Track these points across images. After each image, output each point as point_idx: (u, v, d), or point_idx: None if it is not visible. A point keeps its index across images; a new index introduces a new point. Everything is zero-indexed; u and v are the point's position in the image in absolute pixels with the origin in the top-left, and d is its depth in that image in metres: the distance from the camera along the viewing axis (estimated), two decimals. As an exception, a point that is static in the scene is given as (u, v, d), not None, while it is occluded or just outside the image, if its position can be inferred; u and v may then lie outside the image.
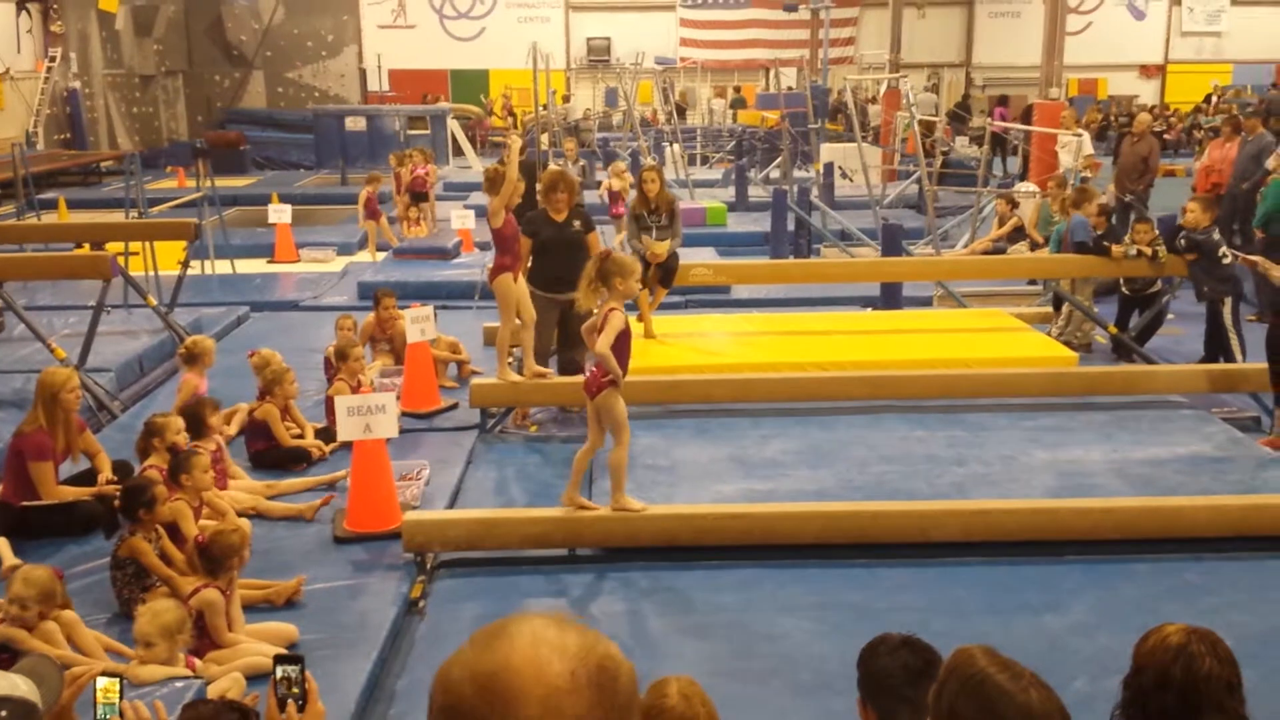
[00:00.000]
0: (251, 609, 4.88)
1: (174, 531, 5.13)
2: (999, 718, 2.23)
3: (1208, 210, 8.65)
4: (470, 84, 30.45)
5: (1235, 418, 7.73)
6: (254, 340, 8.97)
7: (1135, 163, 13.42)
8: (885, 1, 25.94)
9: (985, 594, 5.22)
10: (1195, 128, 26.10)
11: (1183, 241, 8.45)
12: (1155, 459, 6.66)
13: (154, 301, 9.26)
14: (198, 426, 6.00)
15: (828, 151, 19.05)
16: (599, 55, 31.35)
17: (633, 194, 9.90)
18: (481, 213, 8.63)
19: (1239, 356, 8.26)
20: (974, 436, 7.06)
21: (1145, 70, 33.10)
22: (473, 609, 5.09)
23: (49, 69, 24.07)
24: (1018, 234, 12.52)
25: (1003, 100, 25.77)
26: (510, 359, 7.66)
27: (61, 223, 14.96)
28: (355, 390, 6.90)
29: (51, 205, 16.85)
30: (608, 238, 11.90)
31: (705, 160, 23.97)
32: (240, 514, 5.84)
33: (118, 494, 5.30)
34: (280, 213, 14.07)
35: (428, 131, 23.75)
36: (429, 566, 5.55)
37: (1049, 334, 9.18)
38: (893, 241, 10.58)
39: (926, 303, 10.71)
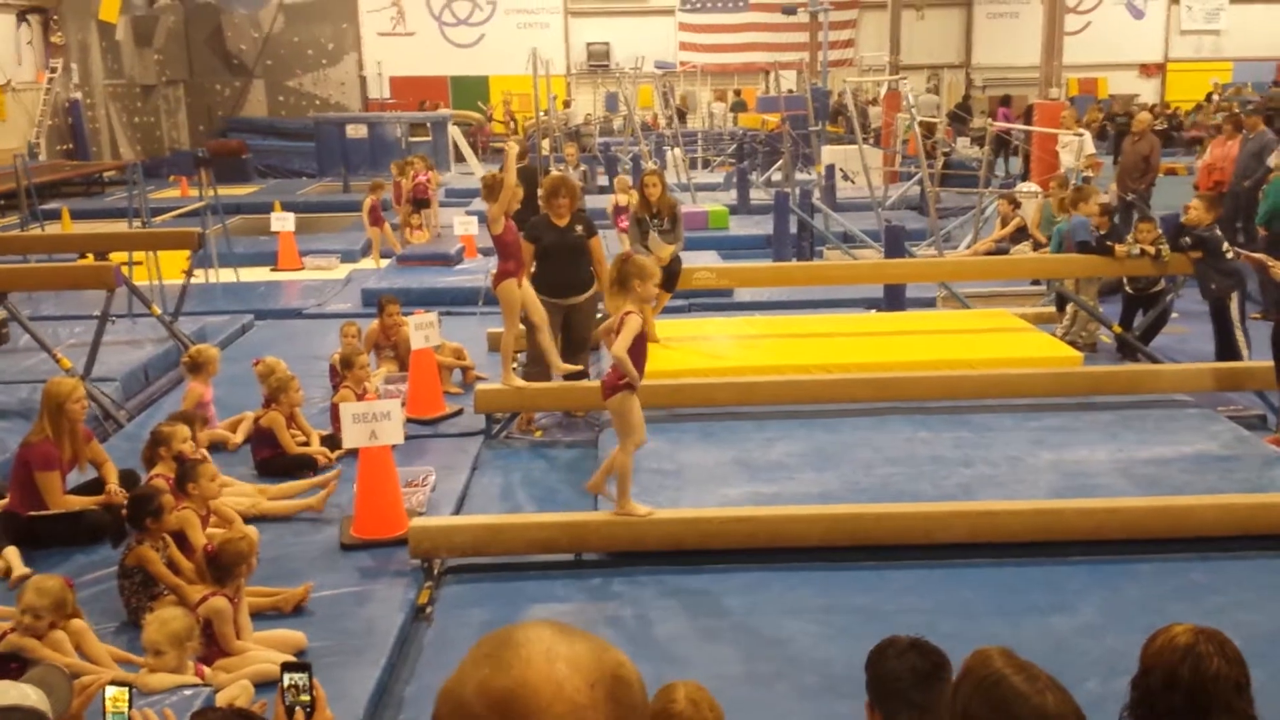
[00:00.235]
0: (259, 616, 4.89)
1: (181, 540, 5.13)
2: (1014, 719, 2.23)
3: (1210, 208, 8.66)
4: (470, 90, 30.47)
5: (1241, 416, 7.72)
6: (258, 348, 8.98)
7: (1137, 162, 13.42)
8: (884, 3, 25.96)
9: (992, 595, 5.21)
10: (1195, 126, 26.09)
11: (1187, 240, 8.44)
12: (1161, 458, 6.65)
13: (158, 310, 9.27)
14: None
15: (829, 154, 19.05)
16: (599, 60, 31.38)
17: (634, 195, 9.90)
18: (484, 219, 8.65)
19: (1244, 353, 8.26)
20: (979, 437, 7.05)
21: (1145, 69, 33.10)
22: (480, 614, 5.09)
23: (50, 80, 24.12)
24: (1020, 234, 12.51)
25: (1005, 100, 25.76)
26: (515, 364, 7.67)
27: (65, 233, 14.97)
28: (360, 398, 6.90)
29: (55, 216, 16.89)
30: (613, 248, 11.91)
31: (706, 164, 23.98)
32: (247, 520, 5.87)
33: (125, 503, 5.31)
34: (283, 220, 14.10)
35: (429, 138, 23.77)
36: (436, 572, 5.55)
37: (1054, 334, 9.17)
38: (895, 243, 10.58)
39: (930, 304, 10.70)
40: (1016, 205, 12.92)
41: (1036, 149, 14.86)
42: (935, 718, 2.70)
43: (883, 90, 24.41)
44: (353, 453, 6.13)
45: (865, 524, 5.63)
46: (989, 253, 12.34)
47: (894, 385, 7.71)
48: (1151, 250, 8.58)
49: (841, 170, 18.42)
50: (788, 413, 7.58)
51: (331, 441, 6.96)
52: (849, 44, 31.93)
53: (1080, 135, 13.34)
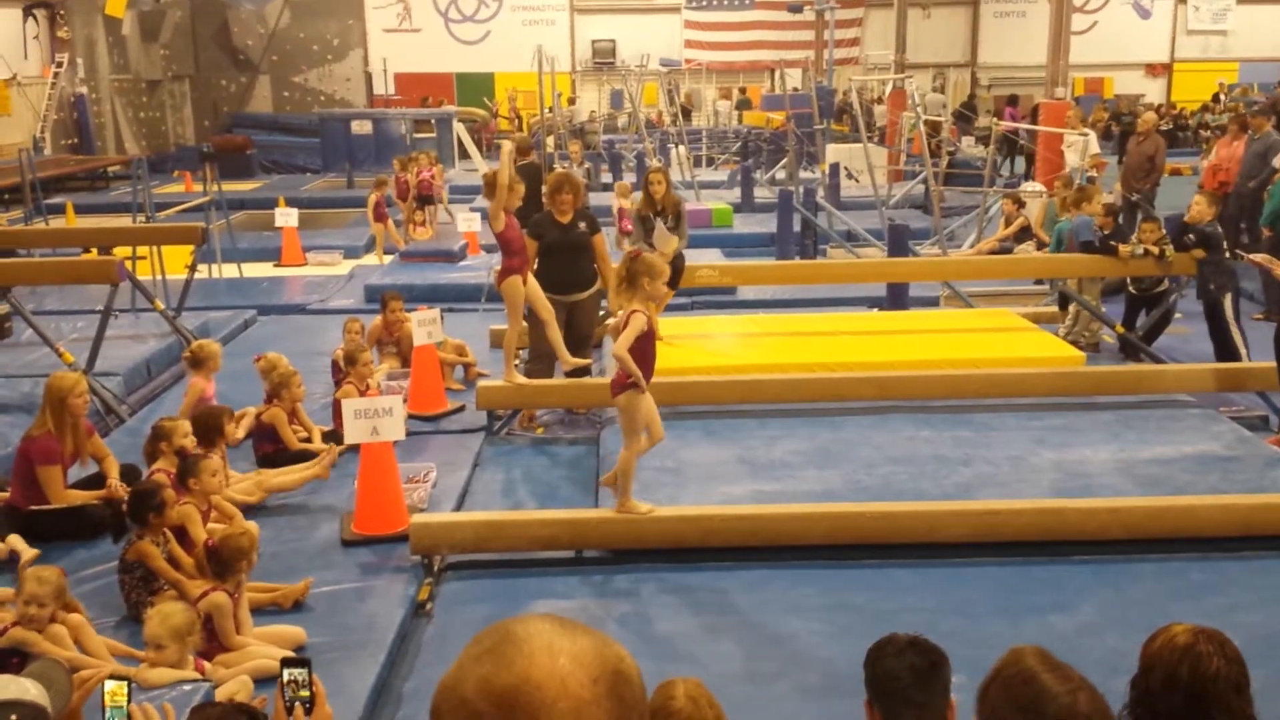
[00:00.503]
0: (259, 612, 4.89)
1: (181, 535, 5.14)
2: (1040, 716, 2.22)
3: (1212, 204, 8.67)
4: (476, 87, 30.47)
5: (1243, 416, 7.71)
6: (261, 344, 8.99)
7: (1141, 162, 13.41)
8: (890, 2, 25.91)
9: (993, 595, 5.21)
10: (1202, 126, 26.06)
11: (1191, 237, 8.43)
12: (1163, 458, 6.64)
13: (161, 305, 9.28)
14: (211, 435, 6.02)
15: (833, 152, 19.03)
16: (604, 57, 31.37)
17: (637, 196, 9.89)
18: (487, 215, 8.66)
19: (1243, 353, 8.25)
20: (981, 437, 7.05)
21: (1151, 69, 33.05)
22: (480, 611, 5.10)
23: (56, 74, 24.14)
24: (1024, 234, 12.50)
25: (1012, 100, 25.72)
26: (517, 361, 7.67)
27: (69, 227, 14.99)
28: (363, 394, 6.91)
29: (59, 210, 16.91)
30: (613, 253, 11.93)
31: (711, 162, 23.97)
32: (249, 508, 5.89)
33: (126, 498, 5.32)
34: (287, 216, 14.11)
35: (434, 135, 23.77)
36: (436, 569, 5.56)
37: (1057, 334, 9.17)
38: (899, 242, 10.57)
39: (933, 303, 10.70)
40: (1021, 205, 12.91)
41: (1042, 148, 14.84)
42: (934, 716, 2.69)
43: (888, 89, 24.39)
44: (354, 448, 6.14)
45: (867, 523, 5.63)
46: (992, 252, 12.33)
47: (897, 384, 7.70)
48: (1155, 250, 8.57)
49: (846, 169, 18.41)
50: (790, 411, 7.58)
51: (333, 437, 6.96)
52: (854, 42, 31.90)
53: (1085, 135, 13.33)
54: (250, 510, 5.98)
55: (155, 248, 10.90)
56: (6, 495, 5.87)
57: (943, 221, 13.22)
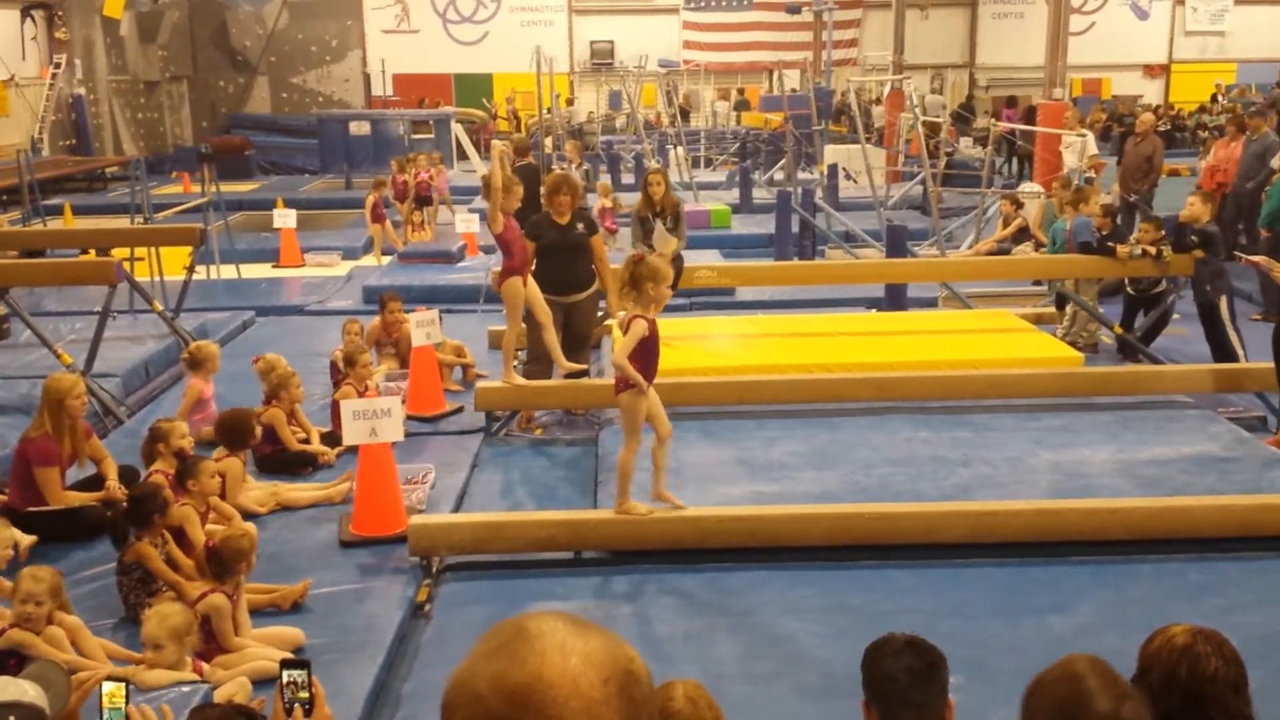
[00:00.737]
0: (258, 613, 4.89)
1: (180, 536, 5.14)
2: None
3: (1207, 203, 8.68)
4: (474, 88, 30.49)
5: (1241, 417, 7.71)
6: (259, 345, 8.99)
7: (1139, 162, 13.42)
8: (888, 3, 25.93)
9: (992, 595, 5.21)
10: (1200, 127, 26.09)
11: (1195, 238, 8.42)
12: (1161, 459, 6.65)
13: (159, 307, 9.27)
14: (238, 439, 6.04)
15: (832, 153, 19.04)
16: (602, 58, 31.39)
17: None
18: (485, 216, 8.66)
19: (1241, 355, 8.25)
20: (979, 437, 7.05)
21: (1149, 70, 33.07)
22: (479, 612, 5.09)
23: (54, 75, 24.14)
24: (1022, 235, 12.51)
25: (1011, 101, 25.75)
26: (515, 362, 7.67)
27: (67, 228, 14.99)
28: (362, 395, 6.91)
29: (57, 211, 16.91)
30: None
31: (709, 163, 23.98)
32: (260, 514, 5.90)
33: (124, 499, 5.31)
34: (285, 217, 14.10)
35: (431, 136, 23.77)
36: (435, 570, 5.55)
37: (1055, 334, 9.17)
38: (897, 243, 10.57)
39: (931, 304, 10.70)
40: (1019, 205, 12.92)
41: (1040, 149, 14.85)
42: (932, 716, 2.69)
43: (886, 90, 24.40)
44: (353, 450, 6.14)
45: (865, 523, 5.63)
46: (991, 253, 12.33)
47: (895, 385, 7.71)
48: (1153, 251, 8.58)
49: (844, 170, 18.42)
50: (788, 412, 7.58)
51: (331, 438, 6.96)
52: (853, 43, 31.93)
53: (1083, 136, 13.34)
54: (252, 514, 5.98)
55: (153, 249, 10.91)
56: (4, 497, 5.87)
57: (941, 222, 13.23)
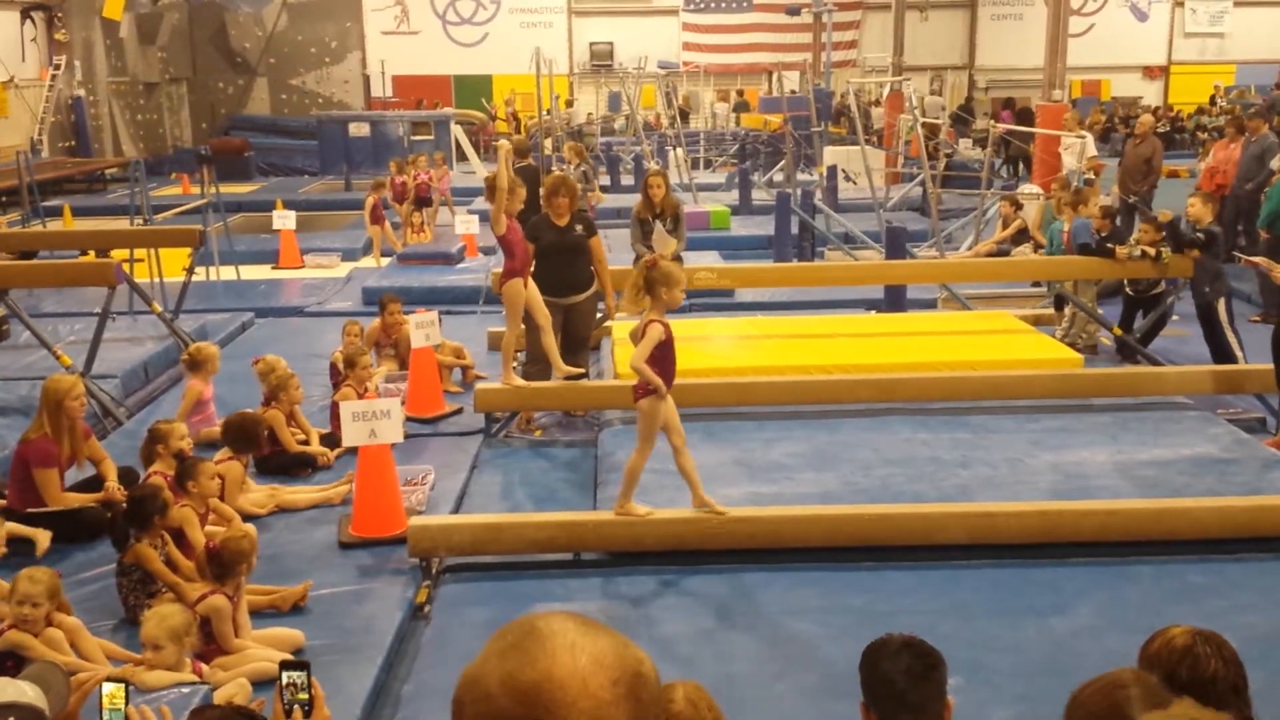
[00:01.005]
0: (257, 614, 4.89)
1: (179, 537, 5.14)
2: None
3: (1207, 203, 8.69)
4: (474, 89, 30.48)
5: (1240, 419, 7.71)
6: (258, 346, 8.99)
7: (1139, 164, 13.43)
8: (887, 4, 25.94)
9: (991, 597, 5.21)
10: (1199, 128, 26.11)
11: (1201, 236, 8.42)
12: (1160, 460, 6.65)
13: (159, 308, 9.27)
14: (245, 444, 6.04)
15: (831, 154, 19.04)
16: (602, 60, 31.39)
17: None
18: (485, 218, 8.67)
19: (1239, 357, 8.25)
20: (979, 439, 7.05)
21: (1148, 71, 33.09)
22: (478, 614, 5.08)
23: (54, 77, 24.13)
24: (1021, 236, 12.52)
25: (1009, 103, 25.77)
26: (514, 363, 7.67)
27: (67, 230, 14.99)
28: (361, 396, 6.91)
29: (56, 212, 16.91)
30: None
31: (709, 164, 23.99)
32: (259, 516, 5.89)
33: (123, 500, 5.31)
34: (284, 219, 14.10)
35: (431, 137, 23.78)
36: (434, 571, 5.55)
37: (1054, 335, 9.17)
38: (896, 244, 10.57)
39: (931, 305, 10.70)
40: (1018, 207, 12.92)
41: (1039, 151, 14.85)
42: (931, 718, 2.69)
43: (885, 91, 24.41)
44: (352, 451, 6.13)
45: (865, 525, 5.63)
46: (990, 254, 12.34)
47: (894, 386, 7.70)
48: (1152, 252, 8.58)
49: (843, 171, 18.42)
50: (788, 413, 7.58)
51: (331, 440, 6.96)
52: (852, 45, 31.93)
53: (1083, 137, 13.34)
54: (251, 515, 5.98)
55: (153, 250, 10.90)
56: (3, 501, 5.87)
57: (940, 224, 13.23)
